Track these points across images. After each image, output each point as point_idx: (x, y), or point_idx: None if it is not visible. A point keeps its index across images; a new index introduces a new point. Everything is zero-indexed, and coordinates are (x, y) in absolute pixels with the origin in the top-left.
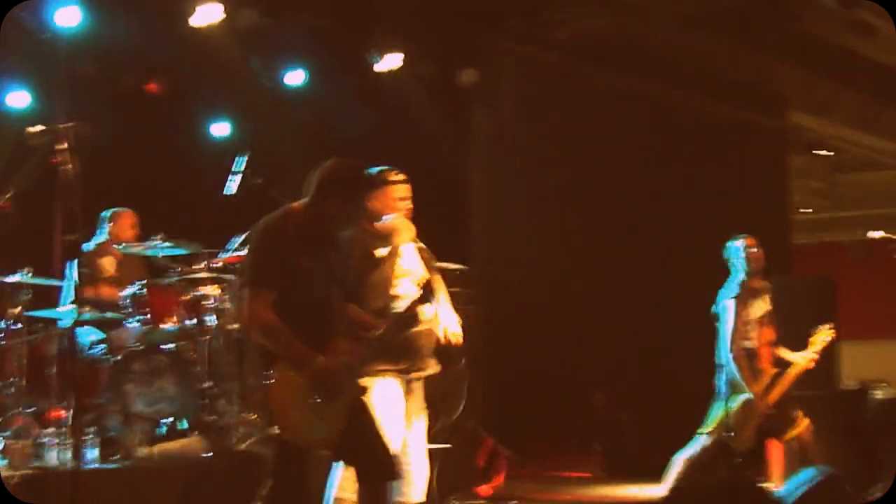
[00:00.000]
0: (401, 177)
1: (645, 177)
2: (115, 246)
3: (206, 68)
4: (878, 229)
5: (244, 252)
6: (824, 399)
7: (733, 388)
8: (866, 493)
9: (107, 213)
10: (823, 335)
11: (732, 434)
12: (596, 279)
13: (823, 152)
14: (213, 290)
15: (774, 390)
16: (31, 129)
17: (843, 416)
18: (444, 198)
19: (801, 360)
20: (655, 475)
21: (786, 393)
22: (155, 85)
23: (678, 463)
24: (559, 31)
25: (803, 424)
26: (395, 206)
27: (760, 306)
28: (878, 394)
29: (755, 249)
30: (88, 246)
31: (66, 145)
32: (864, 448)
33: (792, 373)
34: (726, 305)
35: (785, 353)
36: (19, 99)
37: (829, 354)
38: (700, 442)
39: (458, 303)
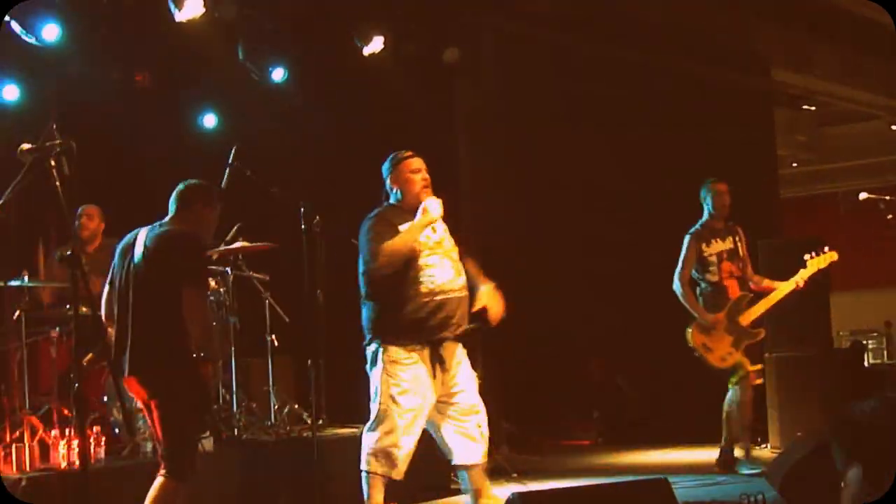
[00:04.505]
0: (409, 152)
1: (632, 142)
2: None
3: (191, 61)
4: (863, 179)
5: (238, 245)
6: (819, 359)
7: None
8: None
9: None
10: (822, 258)
11: (698, 354)
12: (587, 246)
13: (808, 107)
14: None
15: (746, 313)
16: (22, 147)
17: (839, 377)
18: (434, 177)
19: (787, 284)
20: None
21: (761, 317)
22: (142, 80)
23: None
24: (538, 3)
25: (757, 367)
26: (412, 179)
27: (720, 245)
28: (871, 344)
29: (720, 193)
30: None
31: (53, 163)
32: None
33: (774, 298)
34: (683, 240)
35: (772, 283)
36: (9, 92)
37: (821, 315)
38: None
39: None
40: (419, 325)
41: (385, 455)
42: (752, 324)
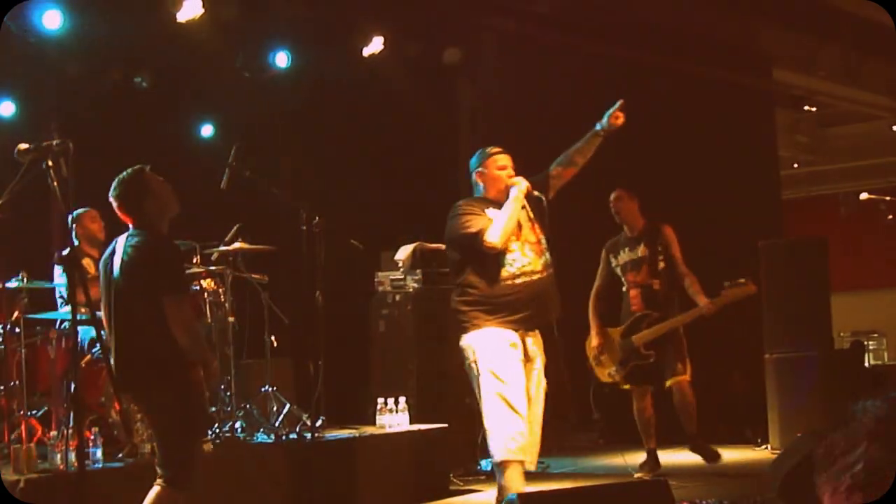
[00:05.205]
0: (498, 149)
1: (633, 143)
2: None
3: (191, 62)
4: (864, 180)
5: (237, 246)
6: (820, 360)
7: None
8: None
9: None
10: (738, 290)
11: (590, 366)
12: (586, 246)
13: (809, 108)
14: (208, 284)
15: (643, 333)
16: (20, 147)
17: (839, 378)
18: (435, 178)
19: (694, 311)
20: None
21: (659, 338)
22: (141, 80)
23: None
24: (539, 4)
25: (681, 378)
26: (498, 176)
27: (626, 255)
28: (871, 344)
29: (614, 202)
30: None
31: (51, 162)
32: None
33: (672, 323)
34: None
35: (696, 294)
36: (5, 108)
37: (822, 315)
38: None
39: (450, 282)
40: (509, 308)
41: (516, 439)
42: (647, 345)
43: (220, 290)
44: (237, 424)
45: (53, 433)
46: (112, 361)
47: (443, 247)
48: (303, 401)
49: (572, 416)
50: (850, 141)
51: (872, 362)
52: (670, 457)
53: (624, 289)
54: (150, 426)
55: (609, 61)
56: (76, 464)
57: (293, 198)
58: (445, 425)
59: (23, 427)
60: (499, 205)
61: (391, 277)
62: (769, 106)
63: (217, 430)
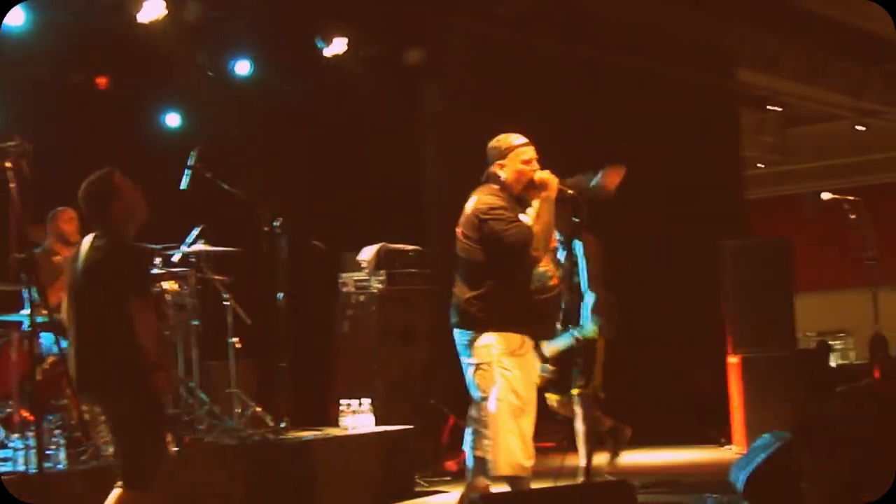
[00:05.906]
0: (524, 140)
1: (600, 144)
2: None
3: (153, 63)
4: (828, 180)
5: (200, 247)
6: (785, 360)
7: None
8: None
9: (49, 214)
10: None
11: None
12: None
13: (773, 108)
14: (171, 286)
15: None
16: None
17: (804, 378)
18: (399, 179)
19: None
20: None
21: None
22: (103, 82)
23: None
24: (503, 5)
25: (581, 392)
26: (524, 171)
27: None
28: (837, 344)
29: None
30: (39, 249)
31: (9, 164)
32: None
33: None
34: None
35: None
36: None
37: (785, 314)
38: None
39: (414, 283)
40: (532, 319)
41: (523, 452)
42: (553, 358)
43: (183, 292)
44: (200, 426)
45: (16, 435)
46: (72, 363)
47: (407, 247)
48: (266, 402)
49: None
50: (813, 141)
51: (839, 362)
52: (634, 458)
53: None
54: (111, 428)
55: (573, 62)
56: (38, 466)
57: (255, 199)
58: (410, 426)
59: None
60: (523, 202)
61: (355, 278)
62: (733, 106)
63: (180, 432)
